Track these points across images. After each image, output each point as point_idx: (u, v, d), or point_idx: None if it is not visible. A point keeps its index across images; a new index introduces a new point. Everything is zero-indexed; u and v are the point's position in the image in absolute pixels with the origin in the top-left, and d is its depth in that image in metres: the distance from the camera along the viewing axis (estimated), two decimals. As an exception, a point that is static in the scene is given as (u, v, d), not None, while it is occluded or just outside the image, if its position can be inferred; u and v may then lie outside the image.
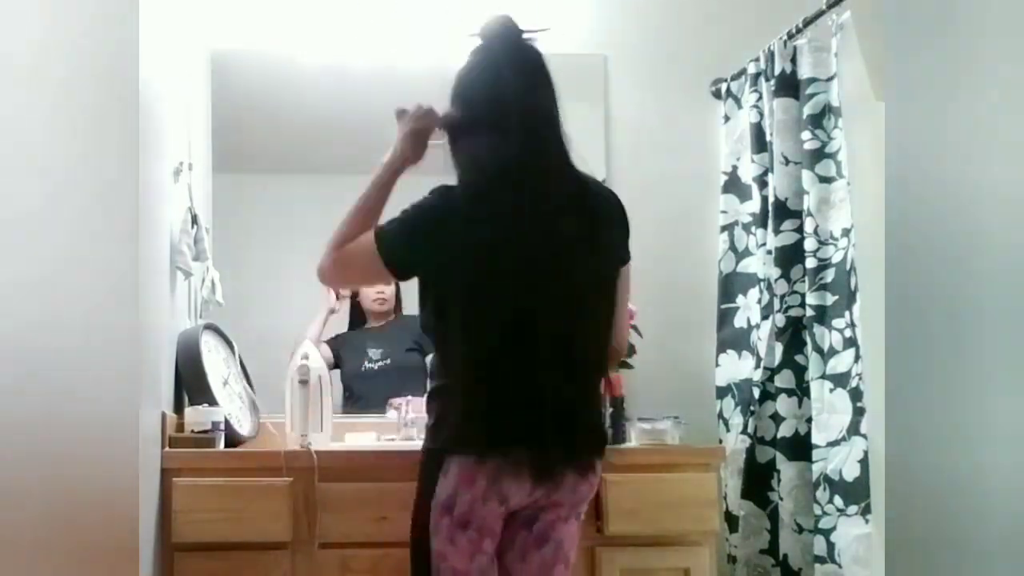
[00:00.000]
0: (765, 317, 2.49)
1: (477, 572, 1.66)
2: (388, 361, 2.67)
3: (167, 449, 2.08)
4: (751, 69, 2.63)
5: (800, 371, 2.39)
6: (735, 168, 2.70)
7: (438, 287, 1.72)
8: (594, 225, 1.74)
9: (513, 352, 1.65)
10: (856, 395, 2.22)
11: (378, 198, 1.81)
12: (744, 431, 2.50)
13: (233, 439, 2.25)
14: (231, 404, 2.36)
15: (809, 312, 2.35)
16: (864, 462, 2.18)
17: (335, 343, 2.68)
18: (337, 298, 2.67)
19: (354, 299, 2.73)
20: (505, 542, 1.72)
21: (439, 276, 1.71)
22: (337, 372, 2.63)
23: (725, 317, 2.66)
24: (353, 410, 2.60)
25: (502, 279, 1.66)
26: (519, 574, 1.72)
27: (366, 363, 2.66)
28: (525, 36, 1.75)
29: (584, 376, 1.73)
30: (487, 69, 1.74)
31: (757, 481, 2.44)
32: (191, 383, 2.25)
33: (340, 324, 2.72)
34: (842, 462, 2.22)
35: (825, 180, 2.37)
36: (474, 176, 1.72)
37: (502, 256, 1.66)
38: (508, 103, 1.70)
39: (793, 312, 2.42)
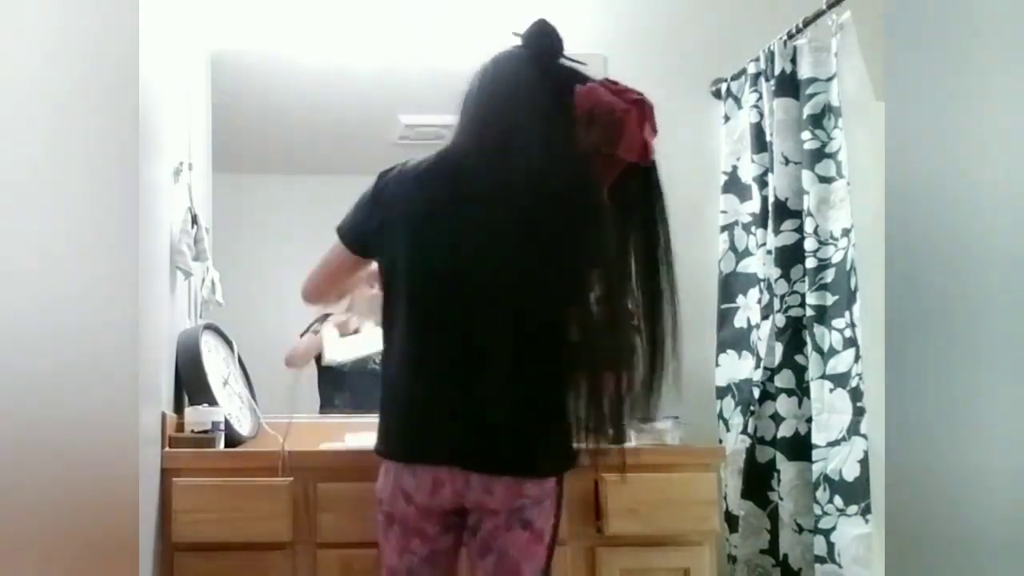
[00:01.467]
0: (765, 317, 2.49)
1: (405, 571, 1.66)
2: None
3: (167, 449, 2.08)
4: (751, 69, 2.63)
5: (800, 371, 2.39)
6: (735, 168, 2.70)
7: (384, 271, 1.72)
8: (543, 227, 1.58)
9: (439, 355, 1.61)
10: (856, 395, 2.22)
11: None
12: (744, 431, 2.50)
13: (233, 439, 2.25)
14: (231, 404, 2.36)
15: (809, 312, 2.34)
16: (864, 462, 2.18)
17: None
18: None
19: None
20: (468, 550, 1.71)
21: (382, 251, 1.71)
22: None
23: (725, 317, 2.66)
24: (346, 405, 2.59)
25: (427, 271, 1.63)
26: None
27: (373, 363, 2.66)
28: (562, 60, 1.66)
29: (524, 385, 1.59)
30: (509, 85, 1.63)
31: (757, 481, 2.44)
32: (191, 383, 2.25)
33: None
34: (842, 462, 2.22)
35: (825, 180, 2.37)
36: (430, 162, 1.69)
37: (432, 247, 1.62)
38: (510, 121, 1.60)
39: (793, 312, 2.41)
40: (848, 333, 2.26)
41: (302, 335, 2.56)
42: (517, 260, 1.57)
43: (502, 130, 1.59)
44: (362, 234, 1.76)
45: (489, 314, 1.58)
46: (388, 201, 1.70)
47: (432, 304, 1.63)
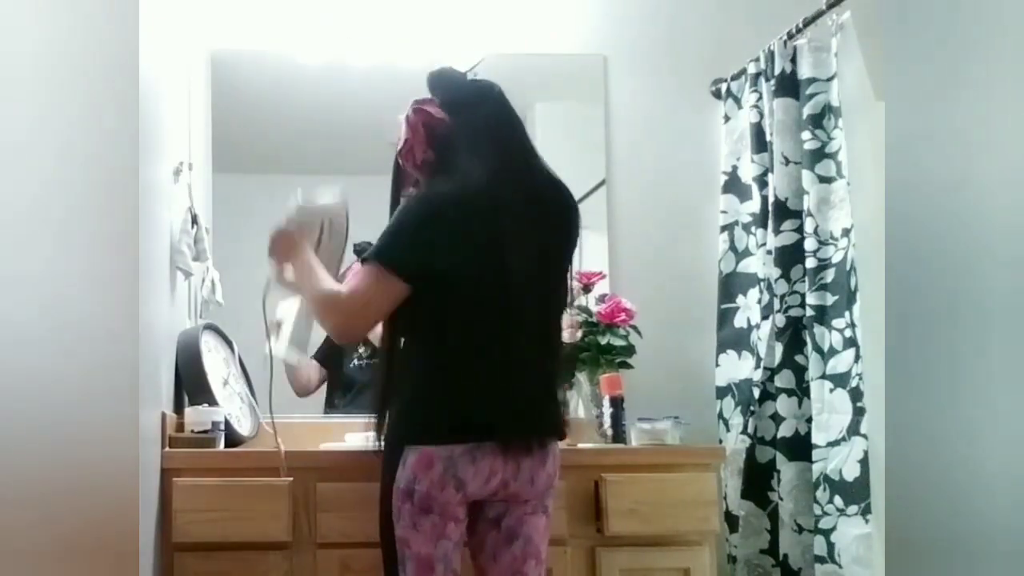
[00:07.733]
0: (765, 317, 2.49)
1: (441, 558, 1.69)
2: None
3: (167, 449, 2.08)
4: (751, 69, 2.63)
5: (800, 371, 2.39)
6: (735, 168, 2.70)
7: (441, 281, 1.72)
8: (564, 218, 1.85)
9: (500, 343, 1.72)
10: (856, 395, 2.22)
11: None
12: (744, 431, 2.50)
13: (233, 439, 2.25)
14: (231, 404, 2.36)
15: (809, 312, 2.35)
16: (864, 462, 2.18)
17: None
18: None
19: None
20: (476, 543, 1.78)
21: (445, 269, 1.72)
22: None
23: (725, 317, 2.66)
24: (348, 406, 2.59)
25: (498, 271, 1.72)
26: (492, 574, 1.76)
27: (355, 360, 2.66)
28: (471, 76, 1.89)
29: (554, 365, 1.84)
30: (481, 118, 1.82)
31: (757, 481, 2.44)
32: (191, 383, 2.25)
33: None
34: (842, 462, 2.22)
35: (825, 180, 2.37)
36: (467, 178, 1.76)
37: (500, 249, 1.73)
38: (492, 138, 1.81)
39: (793, 312, 2.41)
40: (848, 333, 2.26)
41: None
42: (544, 262, 1.79)
43: (510, 155, 1.81)
44: (425, 254, 1.73)
45: (529, 309, 1.74)
46: (452, 220, 1.73)
47: (495, 305, 1.73)
